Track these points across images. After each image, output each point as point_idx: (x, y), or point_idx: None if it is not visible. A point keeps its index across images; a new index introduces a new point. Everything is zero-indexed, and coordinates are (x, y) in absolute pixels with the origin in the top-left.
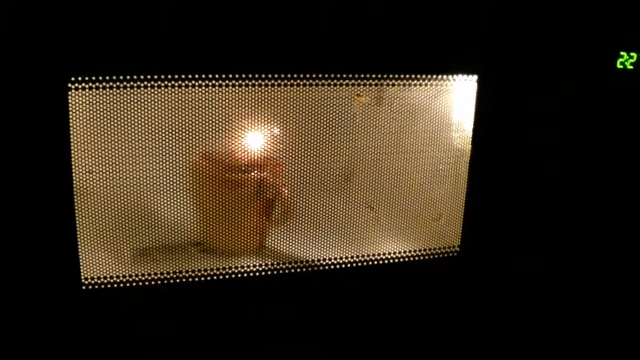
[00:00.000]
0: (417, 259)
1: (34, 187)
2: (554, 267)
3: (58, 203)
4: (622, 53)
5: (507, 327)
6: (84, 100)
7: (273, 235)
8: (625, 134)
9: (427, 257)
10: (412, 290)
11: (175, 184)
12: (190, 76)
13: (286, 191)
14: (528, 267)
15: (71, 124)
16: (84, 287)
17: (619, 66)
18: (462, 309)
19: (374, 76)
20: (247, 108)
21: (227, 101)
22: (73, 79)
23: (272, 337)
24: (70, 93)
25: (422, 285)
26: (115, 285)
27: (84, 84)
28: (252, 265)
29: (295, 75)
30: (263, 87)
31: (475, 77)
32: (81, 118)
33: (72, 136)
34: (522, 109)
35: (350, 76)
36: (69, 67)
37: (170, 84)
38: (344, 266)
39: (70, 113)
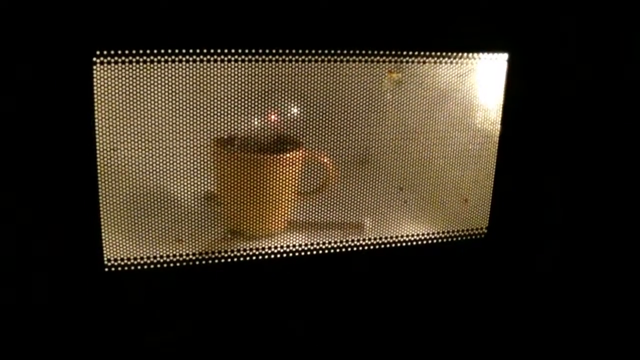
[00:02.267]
0: (443, 240)
1: (56, 165)
2: (583, 250)
3: (81, 181)
4: None
5: (533, 310)
6: (109, 75)
7: (299, 215)
8: None
9: (453, 239)
10: (438, 272)
11: (201, 164)
12: (219, 50)
13: (327, 160)
14: (556, 250)
15: (95, 99)
16: (106, 269)
17: None
18: (488, 292)
19: (400, 53)
20: (275, 84)
21: (255, 77)
22: (98, 52)
23: (296, 318)
24: (95, 67)
25: (448, 267)
26: (139, 267)
27: (109, 58)
28: (278, 246)
29: (326, 51)
30: (294, 63)
31: (506, 55)
32: (106, 93)
33: (96, 112)
34: (553, 89)
35: (376, 52)
36: (94, 41)
37: (199, 58)
38: (370, 247)
39: (95, 88)
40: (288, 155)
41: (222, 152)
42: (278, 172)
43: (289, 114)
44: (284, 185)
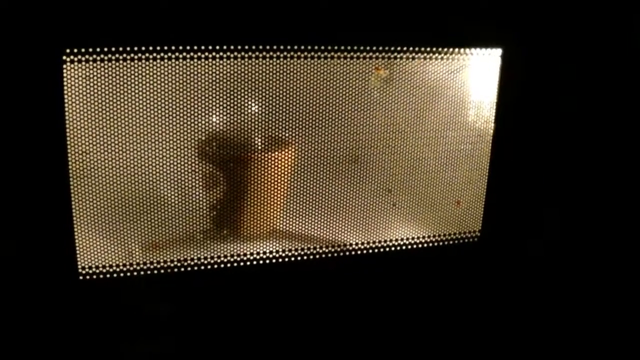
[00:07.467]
0: (434, 244)
1: (26, 170)
2: (579, 254)
3: (52, 187)
4: None
5: (527, 313)
6: (79, 74)
7: (286, 219)
8: None
9: (445, 243)
10: (429, 277)
11: (179, 165)
12: (195, 47)
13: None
14: (550, 253)
15: (66, 100)
16: (80, 277)
17: None
18: (482, 298)
19: (388, 48)
20: (255, 82)
21: (234, 74)
22: (68, 50)
23: (281, 326)
24: (65, 66)
25: (439, 272)
26: (115, 275)
27: (79, 56)
28: (262, 251)
29: (309, 47)
30: (274, 60)
31: (499, 51)
32: (76, 93)
33: (67, 113)
34: (548, 86)
35: (362, 48)
36: (63, 38)
37: (173, 56)
38: (358, 252)
39: (65, 88)
40: (278, 154)
41: (209, 151)
42: (268, 171)
43: (275, 112)
44: (273, 185)
